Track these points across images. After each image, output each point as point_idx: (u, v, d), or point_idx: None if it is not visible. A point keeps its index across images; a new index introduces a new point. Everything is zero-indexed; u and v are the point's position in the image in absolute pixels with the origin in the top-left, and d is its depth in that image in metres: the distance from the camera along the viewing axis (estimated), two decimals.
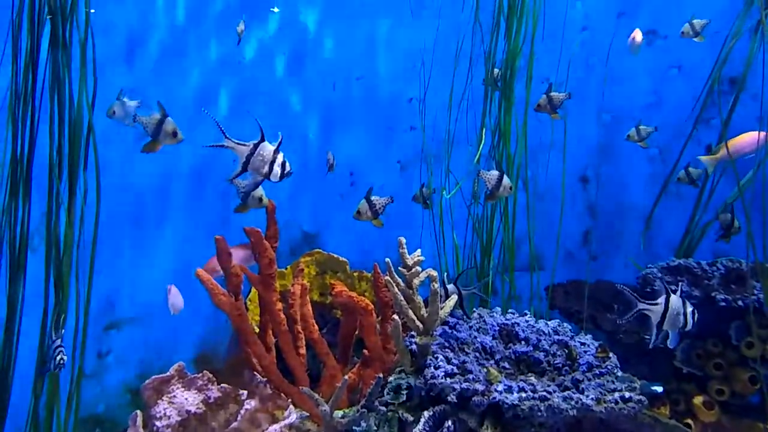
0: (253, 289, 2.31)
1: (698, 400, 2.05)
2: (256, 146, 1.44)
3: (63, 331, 1.70)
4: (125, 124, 2.01)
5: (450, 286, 1.72)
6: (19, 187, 1.99)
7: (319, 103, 2.75)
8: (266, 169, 1.45)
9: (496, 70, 2.45)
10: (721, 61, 2.51)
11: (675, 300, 1.51)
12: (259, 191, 1.81)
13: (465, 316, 1.76)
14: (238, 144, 1.44)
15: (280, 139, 1.46)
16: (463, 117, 2.54)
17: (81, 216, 2.03)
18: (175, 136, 1.69)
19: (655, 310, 1.52)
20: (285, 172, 1.47)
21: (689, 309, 1.51)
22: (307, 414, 1.74)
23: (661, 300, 1.52)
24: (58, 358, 1.62)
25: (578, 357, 1.65)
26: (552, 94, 2.21)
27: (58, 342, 1.64)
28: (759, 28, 2.44)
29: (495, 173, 2.00)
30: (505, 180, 1.99)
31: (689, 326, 1.52)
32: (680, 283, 1.58)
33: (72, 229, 2.01)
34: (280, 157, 1.45)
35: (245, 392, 1.73)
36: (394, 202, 2.12)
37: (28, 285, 2.01)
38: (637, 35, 2.26)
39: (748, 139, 2.11)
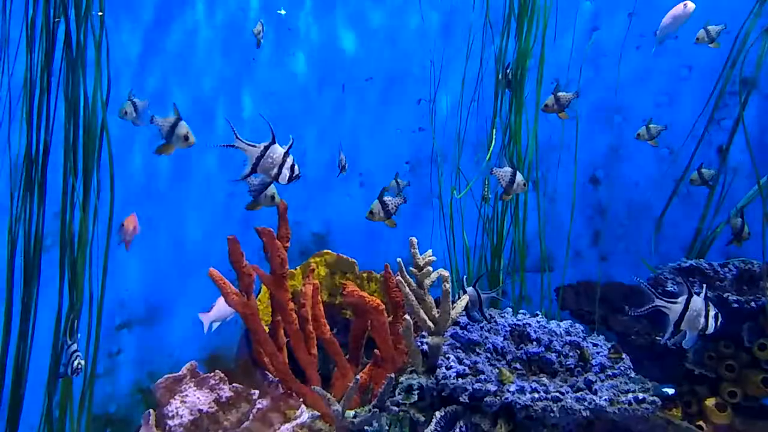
0: (263, 289, 2.32)
1: (710, 402, 2.04)
2: (266, 148, 1.45)
3: (79, 335, 1.70)
4: (136, 124, 2.02)
5: (469, 290, 1.71)
6: (34, 186, 2.01)
7: (328, 104, 2.76)
8: (275, 171, 1.45)
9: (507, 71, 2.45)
10: (732, 62, 2.49)
11: (698, 301, 1.50)
12: (272, 190, 1.81)
13: (485, 320, 1.75)
14: (248, 145, 1.45)
15: (290, 142, 1.46)
16: (473, 117, 2.53)
17: (94, 214, 2.04)
18: (187, 139, 1.69)
19: (673, 309, 1.50)
20: (293, 174, 1.47)
21: (712, 312, 1.49)
22: (319, 414, 1.74)
23: (682, 299, 1.50)
24: (75, 363, 1.62)
25: (591, 358, 1.65)
26: (560, 94, 2.20)
27: (74, 347, 1.64)
28: None
29: (508, 170, 1.98)
30: (519, 176, 1.98)
31: (711, 329, 1.49)
32: (704, 285, 1.56)
33: (86, 228, 2.02)
34: (289, 160, 1.46)
35: (257, 392, 1.74)
36: (405, 203, 2.12)
37: (42, 284, 2.03)
38: (690, 3, 2.09)
39: None
